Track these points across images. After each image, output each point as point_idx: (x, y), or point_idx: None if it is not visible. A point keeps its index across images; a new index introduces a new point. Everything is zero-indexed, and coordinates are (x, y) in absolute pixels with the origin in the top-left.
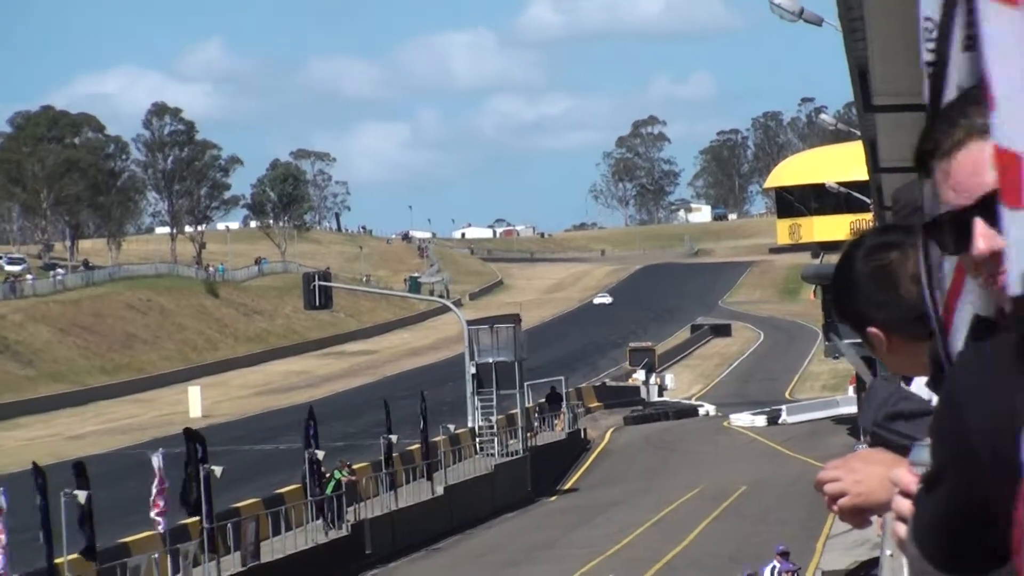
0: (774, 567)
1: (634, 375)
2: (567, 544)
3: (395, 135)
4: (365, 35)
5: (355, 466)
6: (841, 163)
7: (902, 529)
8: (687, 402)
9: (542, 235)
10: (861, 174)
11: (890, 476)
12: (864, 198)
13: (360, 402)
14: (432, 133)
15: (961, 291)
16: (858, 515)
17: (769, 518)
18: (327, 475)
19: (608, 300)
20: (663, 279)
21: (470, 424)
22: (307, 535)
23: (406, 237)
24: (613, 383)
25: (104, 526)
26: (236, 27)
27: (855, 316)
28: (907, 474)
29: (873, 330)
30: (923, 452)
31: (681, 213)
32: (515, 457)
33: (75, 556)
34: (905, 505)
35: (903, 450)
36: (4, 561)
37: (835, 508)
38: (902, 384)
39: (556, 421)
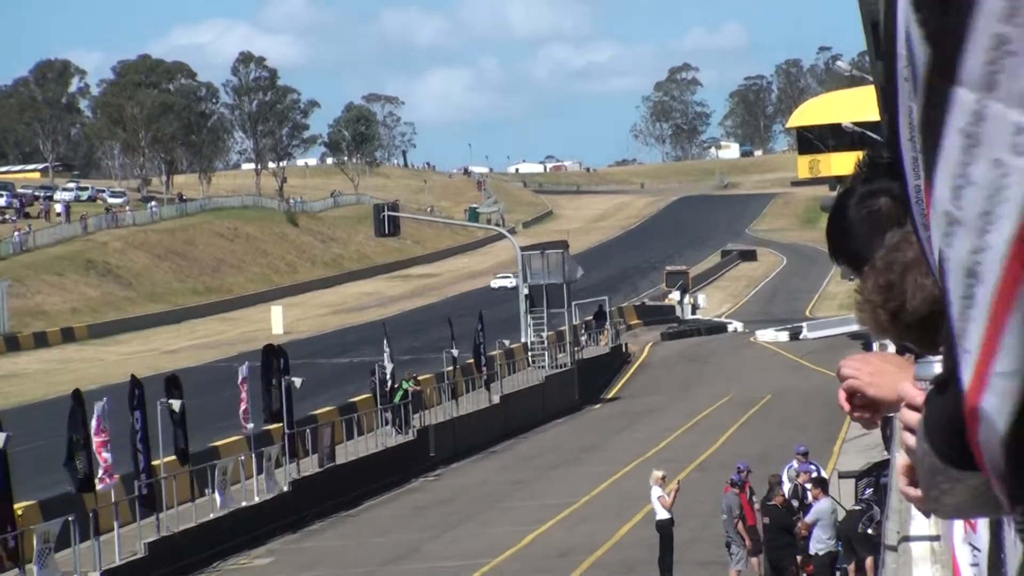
0: (792, 466)
1: (670, 295)
2: (611, 447)
3: (457, 80)
4: None
5: (420, 377)
6: (855, 105)
7: (909, 438)
8: (717, 319)
9: (588, 170)
10: (873, 115)
11: (898, 389)
12: (876, 136)
13: (424, 320)
14: (490, 78)
15: None
16: (869, 412)
17: (791, 423)
18: (396, 385)
19: (510, 283)
20: (696, 209)
21: (523, 340)
22: (377, 439)
23: (466, 172)
24: (651, 302)
25: (195, 432)
26: None
27: (852, 258)
28: (912, 388)
29: (868, 269)
30: (927, 368)
31: (712, 150)
32: (564, 369)
33: (170, 458)
34: (911, 417)
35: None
36: (112, 458)
37: (847, 407)
38: None
39: (600, 336)
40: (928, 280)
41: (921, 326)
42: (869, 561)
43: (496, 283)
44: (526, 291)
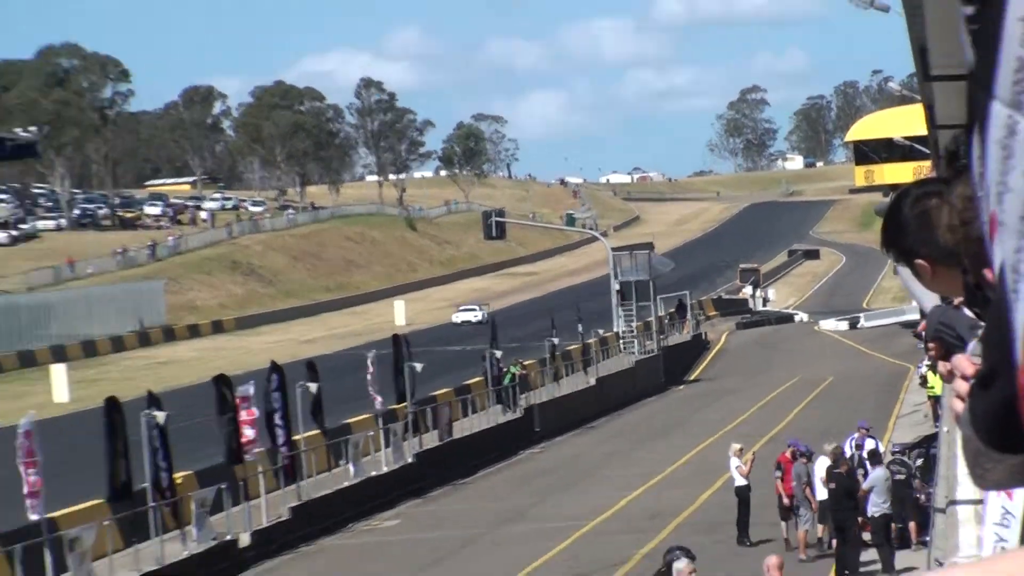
0: (853, 438)
1: (743, 290)
2: (694, 422)
3: (555, 101)
4: (533, 20)
5: (525, 362)
6: (906, 121)
7: (959, 405)
8: (785, 311)
9: (670, 180)
10: (921, 130)
11: (951, 362)
12: (924, 149)
13: (528, 312)
14: (583, 99)
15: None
16: None
17: (851, 402)
18: (504, 370)
19: (475, 317)
20: (765, 214)
21: (615, 329)
22: (488, 417)
23: (562, 182)
24: (727, 296)
25: (330, 410)
26: (430, 15)
27: (905, 251)
28: (965, 360)
29: (920, 262)
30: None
31: (779, 162)
32: (651, 355)
33: (310, 433)
34: (963, 386)
35: (952, 345)
36: (255, 433)
37: None
38: (949, 305)
39: (683, 326)
40: None
41: (983, 244)
42: (912, 525)
43: (458, 317)
44: (617, 287)
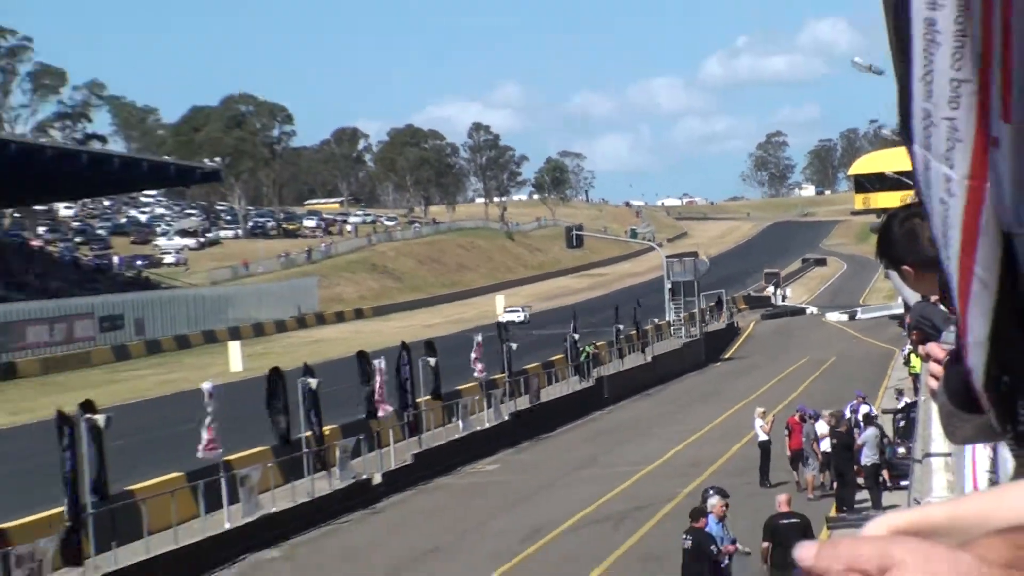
0: (854, 404)
1: (767, 289)
2: (728, 391)
3: (623, 141)
4: (607, 78)
5: (597, 343)
6: (894, 160)
7: (933, 382)
8: (799, 306)
9: (711, 203)
10: (906, 166)
11: (927, 347)
12: (908, 181)
13: (600, 305)
14: (645, 140)
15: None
16: None
17: (849, 376)
18: (580, 349)
19: (520, 317)
20: (784, 231)
21: (667, 318)
22: (567, 385)
23: (628, 204)
24: (754, 294)
25: (445, 379)
26: (527, 73)
27: (894, 259)
28: (937, 347)
29: (906, 268)
30: (950, 335)
31: (796, 190)
32: (694, 338)
33: (426, 398)
34: (936, 367)
35: (929, 334)
36: (386, 395)
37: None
38: (928, 302)
39: (719, 317)
40: None
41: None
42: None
43: (504, 317)
44: (669, 285)
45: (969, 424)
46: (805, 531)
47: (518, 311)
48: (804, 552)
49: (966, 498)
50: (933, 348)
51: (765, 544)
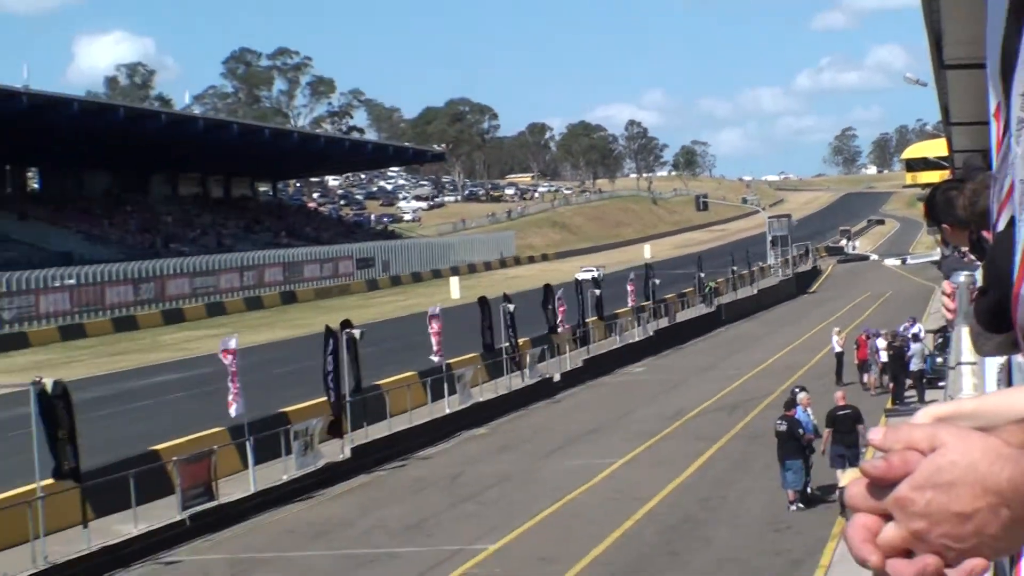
0: (905, 326)
1: (841, 241)
2: (813, 315)
3: (737, 134)
4: (725, 87)
5: (718, 280)
6: (936, 148)
7: (945, 309)
8: (864, 253)
9: (800, 178)
10: (944, 152)
11: (943, 285)
12: (946, 164)
13: (720, 252)
14: (753, 133)
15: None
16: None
17: (901, 306)
18: (706, 283)
19: (593, 274)
20: (854, 199)
21: (769, 262)
22: (696, 310)
23: (740, 179)
24: (832, 245)
25: (607, 305)
26: (669, 83)
27: (936, 220)
28: (948, 284)
29: (944, 226)
30: (956, 277)
31: (862, 170)
32: (788, 277)
33: (593, 318)
34: (947, 301)
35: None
36: (564, 316)
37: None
38: (957, 254)
39: (806, 261)
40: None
41: (983, 217)
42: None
43: (580, 275)
44: (770, 238)
45: (992, 341)
46: (856, 419)
47: (592, 270)
48: (874, 435)
49: (989, 395)
50: (945, 285)
51: (827, 429)
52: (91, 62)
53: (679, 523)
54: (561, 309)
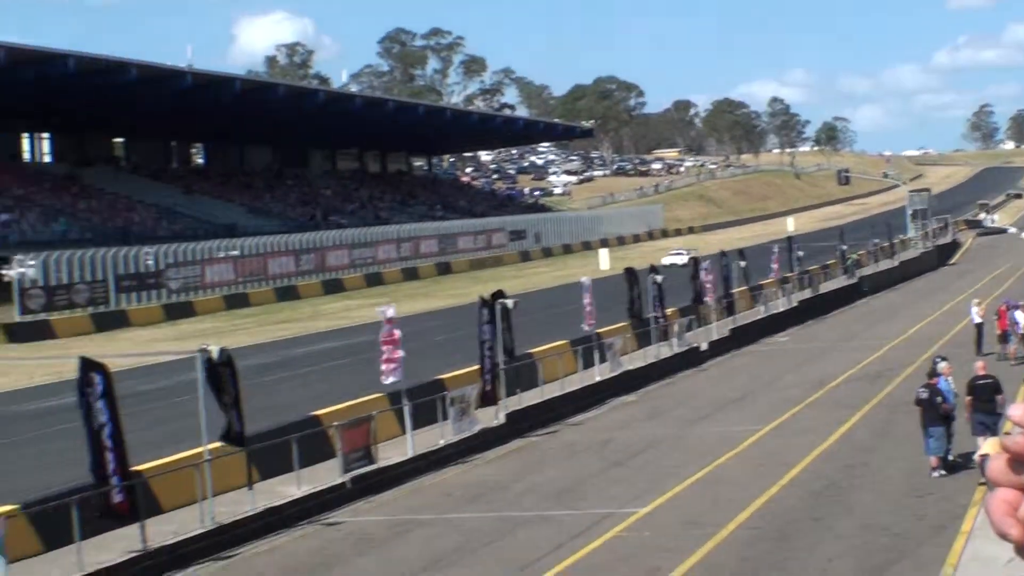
0: None
1: (980, 214)
2: (952, 287)
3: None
4: (865, 64)
5: (859, 252)
6: None
7: None
8: (1003, 226)
9: (940, 153)
10: None
11: None
12: None
13: (861, 226)
14: (892, 109)
15: None
16: None
17: None
18: (848, 255)
19: (683, 260)
20: (992, 174)
21: (909, 234)
22: (838, 282)
23: (880, 154)
24: (971, 218)
25: (752, 276)
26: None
27: None
28: None
29: None
30: None
31: (1000, 145)
32: (928, 249)
33: (738, 288)
34: None
35: None
36: (713, 287)
37: None
38: None
39: (946, 234)
40: None
41: None
42: None
43: (667, 260)
44: (911, 212)
45: None
46: (996, 389)
47: (681, 253)
48: (1014, 411)
49: None
50: None
51: (968, 398)
52: (252, 43)
53: (823, 489)
54: (708, 278)
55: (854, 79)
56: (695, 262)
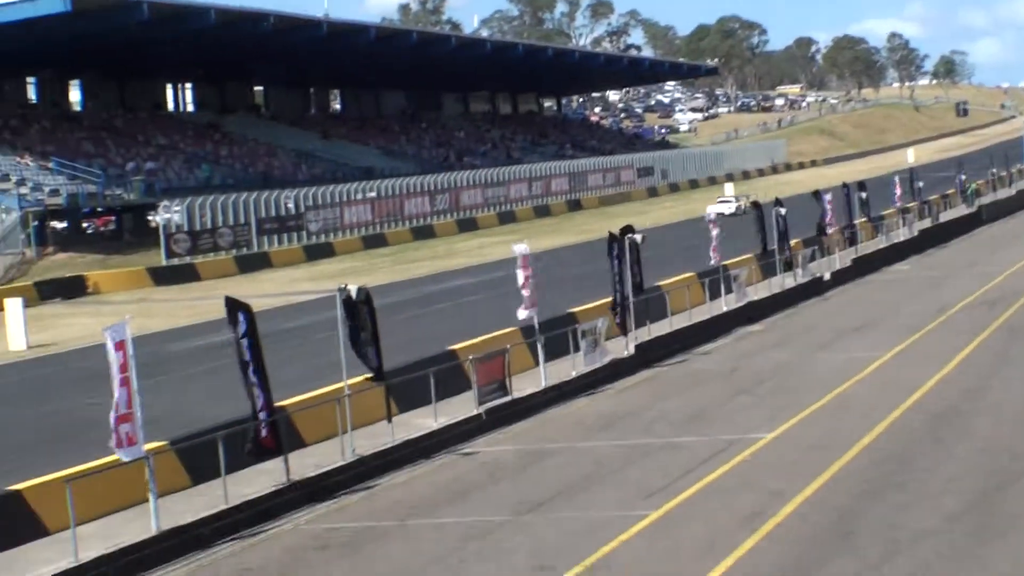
0: None
1: None
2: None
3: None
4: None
5: (977, 182)
6: None
7: None
8: None
9: None
10: None
11: None
12: None
13: (980, 156)
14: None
15: None
16: None
17: None
18: (967, 185)
19: (730, 209)
20: None
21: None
22: (957, 211)
23: (998, 86)
24: None
25: (872, 207)
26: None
27: None
28: None
29: None
30: None
31: None
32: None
33: (860, 220)
34: None
35: None
36: (833, 216)
37: None
38: None
39: None
40: None
41: None
42: None
43: (713, 210)
44: None
45: None
46: None
47: (730, 201)
48: None
49: None
50: None
51: None
52: None
53: (943, 412)
54: (829, 207)
55: (972, 12)
56: (816, 194)
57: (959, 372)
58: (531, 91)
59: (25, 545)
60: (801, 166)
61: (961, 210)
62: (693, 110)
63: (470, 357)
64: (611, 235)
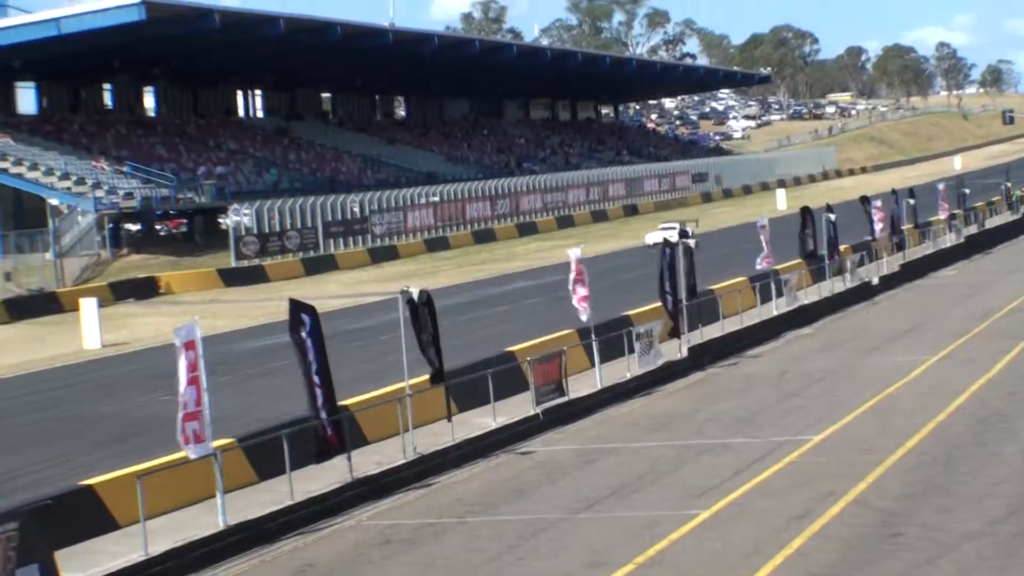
0: None
1: None
2: None
3: None
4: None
5: (1023, 189)
6: None
7: None
8: None
9: None
10: None
11: None
12: None
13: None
14: None
15: None
16: None
17: None
18: (1012, 192)
19: (671, 235)
20: None
21: None
22: (1003, 218)
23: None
24: None
25: (920, 214)
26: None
27: None
28: None
29: None
30: None
31: None
32: None
33: (908, 226)
34: None
35: None
36: (883, 226)
37: None
38: None
39: None
40: None
41: None
42: None
43: (651, 238)
44: None
45: None
46: None
47: (674, 228)
48: None
49: None
50: None
51: None
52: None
53: (988, 416)
54: (879, 215)
55: (1018, 22)
56: (863, 200)
57: (1003, 376)
58: (589, 98)
59: (96, 538)
60: (851, 172)
61: (1007, 217)
62: (746, 117)
63: (528, 359)
64: (665, 240)
